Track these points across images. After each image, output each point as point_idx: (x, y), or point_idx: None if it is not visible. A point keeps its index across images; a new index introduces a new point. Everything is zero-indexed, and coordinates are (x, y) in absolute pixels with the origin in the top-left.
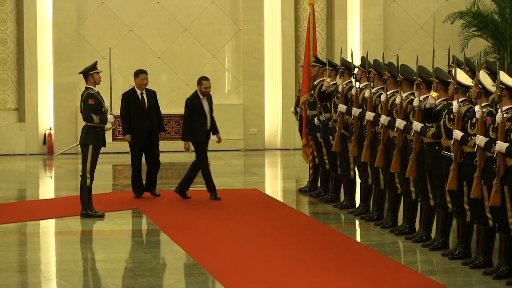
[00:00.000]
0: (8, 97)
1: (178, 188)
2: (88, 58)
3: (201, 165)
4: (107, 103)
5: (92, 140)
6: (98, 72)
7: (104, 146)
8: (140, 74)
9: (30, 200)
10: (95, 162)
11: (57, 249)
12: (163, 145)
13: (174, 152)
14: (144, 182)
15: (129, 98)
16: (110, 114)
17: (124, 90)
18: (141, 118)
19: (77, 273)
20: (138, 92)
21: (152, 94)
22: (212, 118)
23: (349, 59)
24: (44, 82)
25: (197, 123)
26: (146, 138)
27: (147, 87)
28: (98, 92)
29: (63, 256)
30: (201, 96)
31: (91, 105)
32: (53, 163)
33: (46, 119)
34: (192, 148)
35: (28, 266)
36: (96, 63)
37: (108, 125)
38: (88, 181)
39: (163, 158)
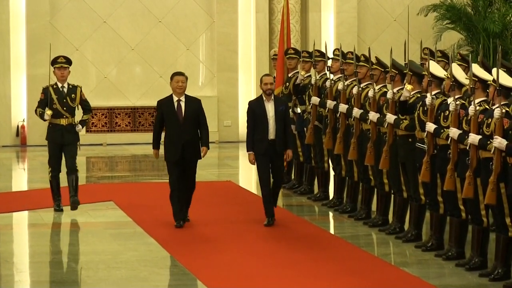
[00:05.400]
0: None
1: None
2: (62, 50)
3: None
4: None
5: (47, 135)
6: (59, 68)
7: (61, 142)
8: (174, 76)
9: (3, 192)
10: (51, 157)
11: (30, 241)
12: (136, 137)
13: (147, 144)
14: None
15: (163, 106)
16: (45, 111)
17: (98, 82)
18: (175, 130)
19: (51, 266)
20: (175, 99)
21: (194, 103)
22: (279, 127)
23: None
24: (17, 73)
25: (257, 131)
26: (181, 155)
27: (190, 94)
28: (62, 87)
29: (36, 248)
30: (264, 98)
31: (41, 100)
32: (26, 155)
33: (19, 111)
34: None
35: (1, 258)
36: (56, 57)
37: (61, 121)
38: (48, 175)
39: (137, 150)
